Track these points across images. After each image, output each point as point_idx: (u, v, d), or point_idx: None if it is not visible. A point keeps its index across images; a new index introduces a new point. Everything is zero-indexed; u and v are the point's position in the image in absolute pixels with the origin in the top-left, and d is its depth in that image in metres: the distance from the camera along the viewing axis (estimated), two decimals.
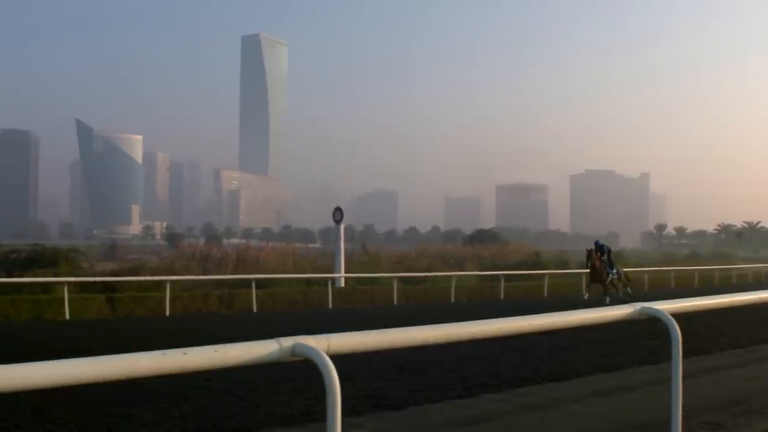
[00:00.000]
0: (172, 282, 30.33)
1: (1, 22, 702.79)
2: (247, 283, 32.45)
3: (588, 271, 34.58)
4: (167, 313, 28.42)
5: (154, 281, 32.87)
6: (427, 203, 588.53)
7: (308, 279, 38.41)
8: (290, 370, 10.70)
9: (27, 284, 31.17)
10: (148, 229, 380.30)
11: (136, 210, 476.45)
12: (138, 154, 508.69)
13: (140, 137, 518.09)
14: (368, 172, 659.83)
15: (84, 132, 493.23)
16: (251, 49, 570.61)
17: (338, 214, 40.85)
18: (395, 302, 35.21)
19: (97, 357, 3.65)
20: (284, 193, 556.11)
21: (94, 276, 35.67)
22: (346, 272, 39.31)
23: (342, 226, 41.08)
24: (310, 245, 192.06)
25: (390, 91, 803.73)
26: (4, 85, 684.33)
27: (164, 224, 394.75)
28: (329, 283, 34.75)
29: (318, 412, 8.94)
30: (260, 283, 32.81)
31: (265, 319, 26.63)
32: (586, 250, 34.83)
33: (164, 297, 28.99)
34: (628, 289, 35.37)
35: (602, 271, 33.50)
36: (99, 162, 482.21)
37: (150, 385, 9.91)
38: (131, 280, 33.16)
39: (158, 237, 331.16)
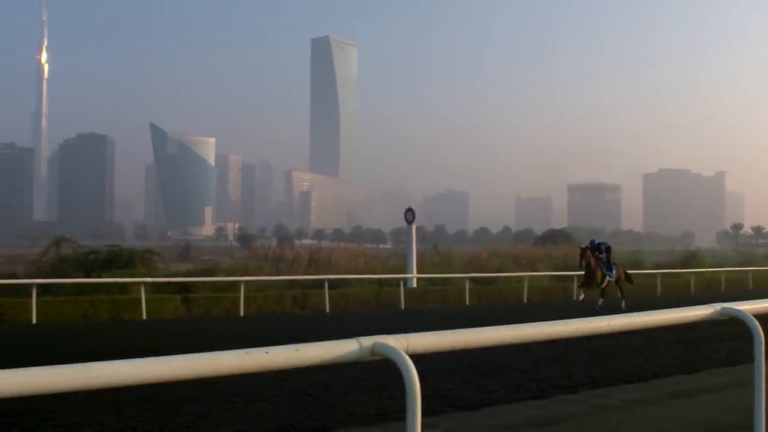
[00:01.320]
0: (246, 282, 30.66)
1: (78, 33, 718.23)
2: (319, 284, 32.64)
3: (582, 272, 30.95)
4: (241, 314, 28.75)
5: (228, 282, 33.28)
6: (497, 203, 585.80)
7: (380, 279, 38.49)
8: (364, 370, 10.79)
9: (105, 285, 31.79)
10: (220, 231, 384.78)
11: (209, 211, 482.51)
12: (211, 157, 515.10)
13: (213, 140, 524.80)
14: (439, 173, 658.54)
15: (158, 135, 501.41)
16: (321, 51, 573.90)
17: (410, 214, 40.85)
18: (467, 303, 35.11)
19: (183, 355, 3.74)
20: (355, 194, 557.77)
21: (169, 277, 36.20)
22: (417, 273, 39.32)
23: (414, 227, 41.07)
24: (380, 246, 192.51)
25: (461, 91, 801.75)
26: (82, 91, 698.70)
27: (237, 225, 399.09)
28: (401, 283, 34.78)
29: (393, 412, 8.99)
30: (333, 284, 32.98)
31: (339, 319, 26.77)
32: (580, 248, 31.93)
33: (238, 297, 29.35)
34: (622, 302, 30.07)
35: (596, 271, 29.79)
36: (173, 164, 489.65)
37: (225, 385, 10.07)
38: (206, 280, 33.60)
39: (231, 238, 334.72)
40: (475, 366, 12.58)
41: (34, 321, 25.38)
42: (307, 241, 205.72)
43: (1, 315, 26.83)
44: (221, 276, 37.09)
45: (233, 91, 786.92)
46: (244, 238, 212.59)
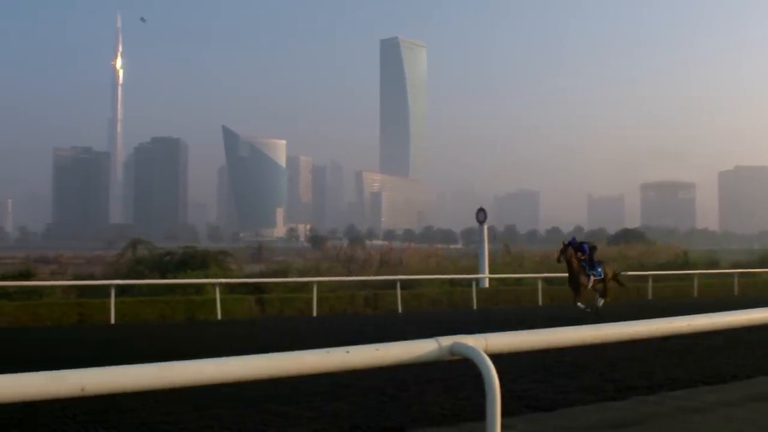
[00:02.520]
0: (319, 283, 30.85)
1: (152, 38, 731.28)
2: (391, 284, 32.71)
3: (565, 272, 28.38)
4: (314, 314, 28.95)
5: (300, 282, 33.54)
6: (569, 203, 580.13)
7: (452, 280, 38.40)
8: (439, 370, 10.79)
9: (180, 285, 32.31)
10: (292, 232, 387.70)
11: (280, 213, 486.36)
12: (282, 158, 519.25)
13: (284, 142, 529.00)
14: (510, 172, 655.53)
15: (230, 138, 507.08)
16: (390, 52, 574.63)
17: (482, 214, 40.71)
18: (540, 303, 34.85)
19: (265, 354, 3.79)
20: (425, 194, 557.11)
21: (242, 278, 36.63)
22: (489, 273, 39.15)
23: (485, 227, 40.91)
24: (451, 246, 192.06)
25: (531, 91, 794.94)
26: (156, 96, 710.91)
27: (308, 226, 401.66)
28: (473, 283, 34.68)
29: (468, 412, 8.98)
30: (405, 284, 33.02)
31: (412, 319, 26.79)
32: (562, 243, 28.35)
33: (311, 298, 29.56)
34: (601, 301, 27.86)
35: (580, 277, 26.81)
36: (244, 166, 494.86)
37: (302, 384, 10.14)
38: (279, 281, 33.90)
39: (302, 239, 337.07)
40: (549, 366, 12.48)
41: (112, 321, 25.92)
42: (378, 242, 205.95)
43: (81, 315, 27.50)
44: (294, 277, 37.39)
45: (304, 93, 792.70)
46: (316, 239, 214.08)
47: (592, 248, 28.23)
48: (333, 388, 10.52)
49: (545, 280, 37.75)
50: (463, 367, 8.41)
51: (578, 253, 27.26)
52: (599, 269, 27.52)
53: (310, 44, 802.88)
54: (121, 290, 28.89)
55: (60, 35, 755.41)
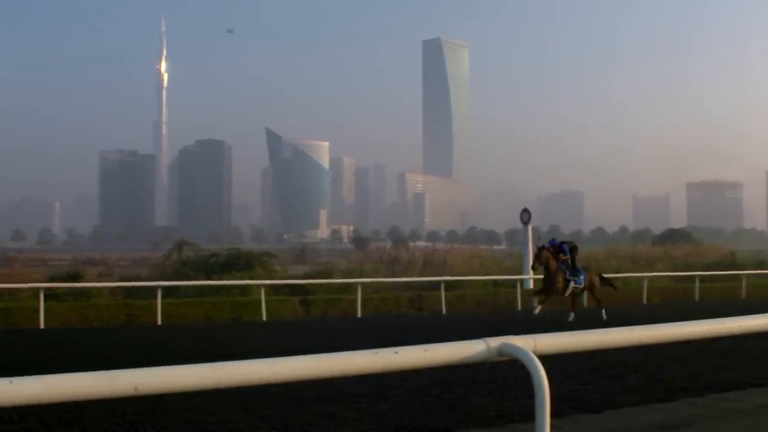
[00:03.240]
0: (363, 284, 30.89)
1: (195, 42, 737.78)
2: (435, 285, 32.67)
3: (542, 276, 26.27)
4: (359, 315, 29.00)
5: (344, 283, 33.63)
6: (613, 202, 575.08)
7: (495, 280, 38.26)
8: (483, 371, 10.76)
9: (225, 287, 32.56)
10: (335, 233, 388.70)
11: (323, 214, 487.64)
12: (325, 160, 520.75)
13: (327, 143, 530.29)
14: (553, 172, 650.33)
15: (273, 140, 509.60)
16: (433, 53, 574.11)
17: (526, 215, 40.49)
18: (584, 304, 34.59)
19: (315, 355, 3.81)
20: (469, 195, 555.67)
21: (286, 279, 36.80)
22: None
23: (530, 227, 40.68)
24: (495, 247, 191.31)
25: (575, 90, 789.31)
26: (200, 99, 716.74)
27: (351, 228, 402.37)
28: (517, 284, 34.51)
29: (514, 413, 8.95)
30: (448, 285, 32.96)
31: (456, 320, 26.73)
32: (537, 247, 26.46)
33: (355, 299, 29.62)
34: (603, 312, 25.06)
35: (557, 277, 24.45)
36: (288, 168, 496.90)
37: (348, 385, 10.16)
38: (324, 282, 34.01)
39: (345, 240, 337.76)
40: (595, 368, 12.38)
41: (159, 322, 26.17)
42: (422, 243, 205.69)
43: (129, 316, 27.83)
44: (338, 278, 37.50)
45: (347, 94, 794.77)
46: (359, 241, 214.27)
47: (573, 249, 25.59)
48: (379, 389, 10.53)
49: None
50: (509, 368, 8.40)
51: (559, 254, 24.97)
52: (582, 276, 25.01)
53: (353, 46, 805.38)
54: (168, 291, 29.16)
55: (106, 40, 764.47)
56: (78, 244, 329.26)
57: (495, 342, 4.10)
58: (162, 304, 26.77)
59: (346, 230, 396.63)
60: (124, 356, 15.35)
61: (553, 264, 24.57)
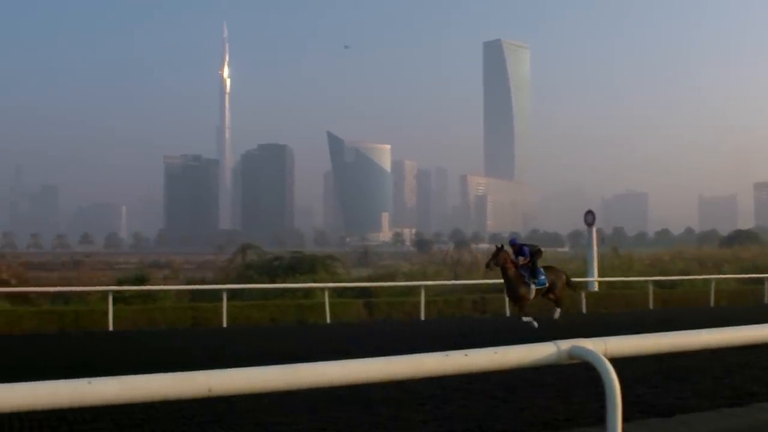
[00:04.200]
0: (426, 287, 30.88)
1: (257, 47, 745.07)
2: (499, 288, 32.52)
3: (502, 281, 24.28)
4: (422, 317, 29.02)
5: (407, 286, 33.63)
6: (678, 203, 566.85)
7: None
8: (549, 374, 10.69)
9: (290, 289, 32.79)
10: (397, 236, 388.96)
11: (386, 217, 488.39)
12: (387, 163, 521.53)
13: (388, 146, 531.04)
14: (617, 173, 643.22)
15: (335, 143, 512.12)
16: (493, 54, 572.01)
17: (590, 216, 40.09)
18: (651, 306, 34.16)
19: (384, 357, 3.83)
20: (531, 197, 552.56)
21: (349, 282, 36.95)
22: (598, 276, 38.53)
23: (594, 229, 40.28)
24: (558, 249, 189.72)
25: (639, 90, 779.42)
26: (262, 103, 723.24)
27: (413, 230, 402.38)
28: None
29: (582, 417, 8.89)
30: None
31: (520, 323, 26.56)
32: (495, 246, 24.06)
33: (419, 301, 29.63)
34: (557, 311, 23.57)
35: (517, 285, 22.69)
36: (350, 171, 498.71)
37: (414, 387, 10.18)
38: (387, 285, 34.04)
39: (408, 243, 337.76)
40: (664, 371, 12.22)
41: (224, 324, 26.48)
42: (484, 245, 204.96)
43: (195, 318, 28.19)
44: (401, 281, 37.51)
45: (408, 97, 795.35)
46: (421, 243, 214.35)
47: (536, 252, 23.59)
48: (444, 392, 10.53)
49: (656, 283, 36.97)
50: (575, 371, 8.34)
51: (518, 257, 23.21)
52: (542, 277, 23.06)
53: (414, 48, 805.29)
54: (232, 294, 29.47)
55: (170, 47, 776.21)
56: (144, 247, 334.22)
57: (565, 344, 4.07)
58: (227, 306, 27.11)
59: (408, 233, 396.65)
60: (192, 358, 15.55)
61: (511, 268, 22.73)
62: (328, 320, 27.88)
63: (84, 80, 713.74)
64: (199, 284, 37.53)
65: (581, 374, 9.65)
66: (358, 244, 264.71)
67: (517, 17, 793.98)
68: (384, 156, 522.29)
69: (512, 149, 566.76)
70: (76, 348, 19.25)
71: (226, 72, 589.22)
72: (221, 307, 27.01)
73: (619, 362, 4.95)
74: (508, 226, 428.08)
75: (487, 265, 23.74)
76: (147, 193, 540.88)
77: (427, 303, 29.90)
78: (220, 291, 28.28)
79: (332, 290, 30.27)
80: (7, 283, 33.16)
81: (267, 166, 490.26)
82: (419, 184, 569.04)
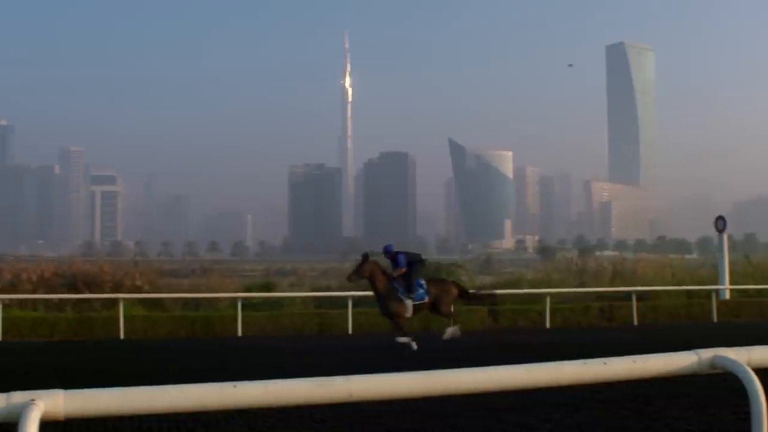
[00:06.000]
0: (551, 295, 30.58)
1: (377, 56, 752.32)
2: (625, 296, 31.95)
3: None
4: (547, 326, 28.75)
5: (532, 294, 33.34)
6: None
7: (689, 291, 36.98)
8: (681, 385, 10.43)
9: None
10: (520, 243, 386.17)
11: (508, 224, 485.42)
12: (509, 170, 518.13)
13: (510, 153, 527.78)
14: (750, 178, 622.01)
15: (456, 151, 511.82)
16: (616, 58, 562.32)
17: (721, 222, 38.99)
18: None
19: (524, 365, 3.83)
20: (657, 203, 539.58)
21: (475, 289, 36.82)
22: (729, 284, 37.40)
23: (725, 236, 39.14)
24: (686, 256, 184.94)
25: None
26: (384, 111, 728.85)
27: (536, 237, 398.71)
28: (712, 295, 33.25)
29: (716, 429, 8.65)
30: (639, 296, 32.17)
31: (649, 331, 26.06)
32: (362, 255, 20.75)
33: (544, 309, 29.38)
34: (449, 329, 20.23)
35: (389, 296, 19.61)
36: (471, 179, 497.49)
37: (542, 395, 10.10)
38: (512, 292, 33.81)
39: (530, 250, 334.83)
40: None
41: (350, 331, 26.85)
42: (609, 253, 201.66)
43: (321, 325, 28.64)
44: (525, 288, 37.19)
45: (529, 102, 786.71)
46: (544, 250, 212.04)
47: (417, 261, 20.51)
48: (573, 401, 10.41)
49: None
50: (707, 383, 8.11)
51: (395, 267, 20.06)
52: (422, 291, 19.76)
53: (535, 53, 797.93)
54: (357, 301, 29.77)
55: (292, 58, 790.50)
56: (269, 254, 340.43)
57: (707, 354, 3.99)
58: (353, 313, 27.47)
59: (530, 240, 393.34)
60: (321, 363, 15.80)
61: (381, 280, 19.66)
62: None
63: (211, 92, 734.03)
64: (324, 291, 38.03)
65: (716, 385, 9.41)
66: (480, 251, 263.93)
67: (641, 18, 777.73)
68: (506, 162, 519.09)
69: (638, 154, 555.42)
70: (210, 353, 19.75)
71: (347, 82, 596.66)
72: (347, 314, 27.39)
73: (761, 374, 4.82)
74: (633, 233, 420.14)
75: (349, 278, 20.93)
76: (271, 202, 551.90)
77: (552, 311, 29.63)
78: (345, 298, 28.65)
79: None
80: (141, 290, 34.34)
81: (389, 173, 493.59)
82: (542, 190, 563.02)
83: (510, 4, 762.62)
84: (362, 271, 19.70)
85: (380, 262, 21.20)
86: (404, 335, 19.38)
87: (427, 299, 19.88)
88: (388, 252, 20.55)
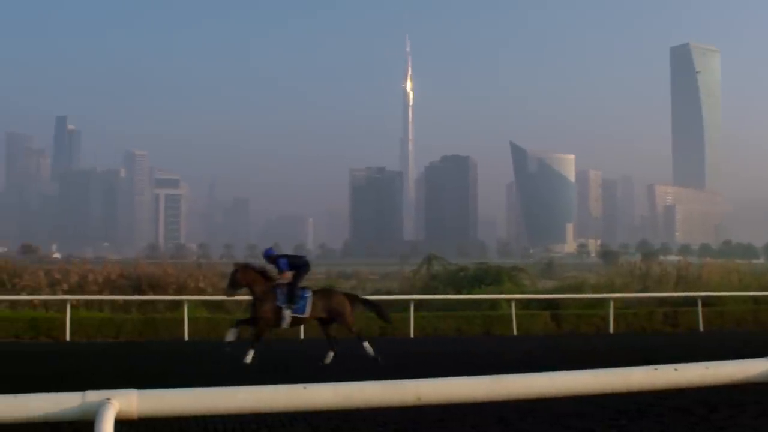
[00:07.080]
0: (614, 299, 30.26)
1: (439, 60, 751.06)
2: (691, 301, 31.47)
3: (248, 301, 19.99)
4: (611, 330, 28.46)
5: (595, 299, 33.03)
6: None
7: (756, 297, 36.29)
8: (749, 393, 10.25)
9: (476, 300, 32.82)
10: (582, 247, 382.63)
11: (570, 228, 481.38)
12: (571, 173, 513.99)
13: (572, 156, 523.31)
14: None
15: (518, 154, 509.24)
16: (681, 59, 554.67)
17: None
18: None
19: (591, 370, 3.81)
20: (723, 207, 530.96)
21: (536, 293, 36.63)
22: None
23: None
24: (753, 261, 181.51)
25: None
26: (445, 115, 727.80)
27: (598, 241, 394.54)
28: None
29: None
30: (705, 301, 31.67)
31: (716, 338, 25.63)
32: (234, 265, 18.92)
33: (607, 314, 29.09)
34: (366, 344, 18.17)
35: (264, 305, 17.56)
36: (533, 182, 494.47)
37: (607, 401, 10.01)
38: (574, 297, 33.55)
39: (593, 254, 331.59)
40: None
41: (411, 335, 26.84)
42: (673, 257, 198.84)
43: (382, 328, 28.64)
44: (588, 293, 36.86)
45: (591, 105, 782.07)
46: (607, 255, 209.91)
47: (300, 266, 18.45)
48: (638, 407, 10.30)
49: None
50: None
51: (280, 272, 18.12)
52: (303, 303, 17.61)
53: (597, 56, 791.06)
54: (419, 305, 29.78)
55: (354, 63, 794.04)
56: (330, 257, 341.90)
57: None
58: (414, 317, 27.46)
59: (593, 244, 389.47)
60: (381, 367, 15.82)
61: (260, 284, 17.73)
62: (515, 332, 27.78)
63: (272, 96, 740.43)
64: (385, 294, 38.09)
65: None
66: (542, 255, 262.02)
67: (707, 19, 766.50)
68: (568, 166, 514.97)
69: (703, 158, 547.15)
70: (275, 354, 19.84)
71: (408, 85, 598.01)
72: (408, 318, 27.40)
73: None
74: (697, 237, 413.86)
75: (226, 292, 19.05)
76: (333, 205, 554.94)
77: (616, 316, 29.33)
78: (407, 301, 28.67)
79: (518, 302, 30.10)
80: (204, 292, 34.73)
81: (450, 177, 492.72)
82: (604, 193, 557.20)
83: (573, 8, 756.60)
84: (237, 282, 17.86)
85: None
86: (254, 345, 17.55)
87: (307, 313, 17.71)
88: (268, 256, 18.58)
